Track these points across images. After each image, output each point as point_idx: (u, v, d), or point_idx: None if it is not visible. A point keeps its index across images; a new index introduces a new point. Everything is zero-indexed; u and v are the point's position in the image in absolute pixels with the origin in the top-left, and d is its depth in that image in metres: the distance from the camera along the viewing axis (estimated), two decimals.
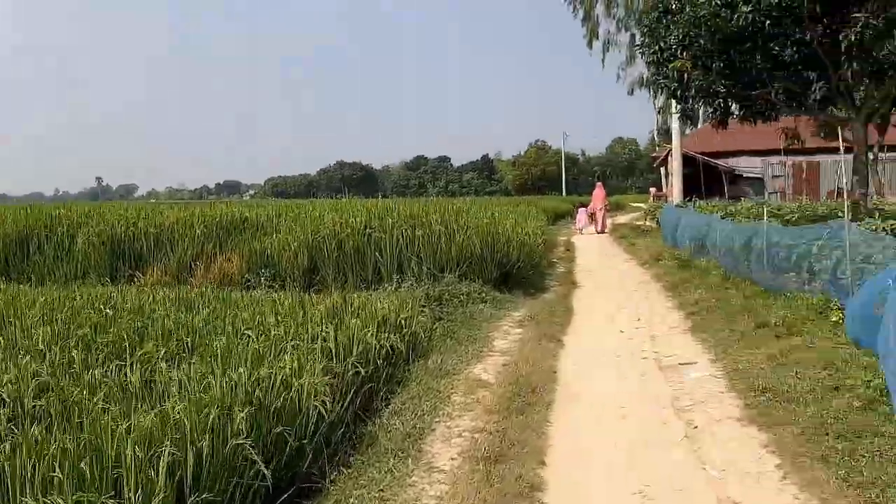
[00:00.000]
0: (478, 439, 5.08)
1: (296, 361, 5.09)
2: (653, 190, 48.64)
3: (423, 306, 8.94)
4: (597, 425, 5.60)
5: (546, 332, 8.39)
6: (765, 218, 11.13)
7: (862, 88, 12.01)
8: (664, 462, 4.82)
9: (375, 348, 6.26)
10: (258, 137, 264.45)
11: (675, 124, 25.33)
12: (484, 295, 9.79)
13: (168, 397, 4.39)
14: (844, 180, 36.44)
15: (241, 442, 3.88)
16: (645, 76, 54.64)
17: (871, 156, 29.84)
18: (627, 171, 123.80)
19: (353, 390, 5.48)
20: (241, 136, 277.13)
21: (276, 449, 4.27)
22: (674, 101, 25.52)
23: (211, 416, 3.91)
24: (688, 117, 13.27)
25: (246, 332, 6.24)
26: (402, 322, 7.53)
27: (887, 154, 30.32)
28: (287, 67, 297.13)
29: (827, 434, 4.76)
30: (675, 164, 25.02)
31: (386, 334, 6.80)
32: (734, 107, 13.39)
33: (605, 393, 6.41)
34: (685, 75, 12.74)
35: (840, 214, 11.31)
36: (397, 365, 6.83)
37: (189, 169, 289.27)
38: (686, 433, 5.36)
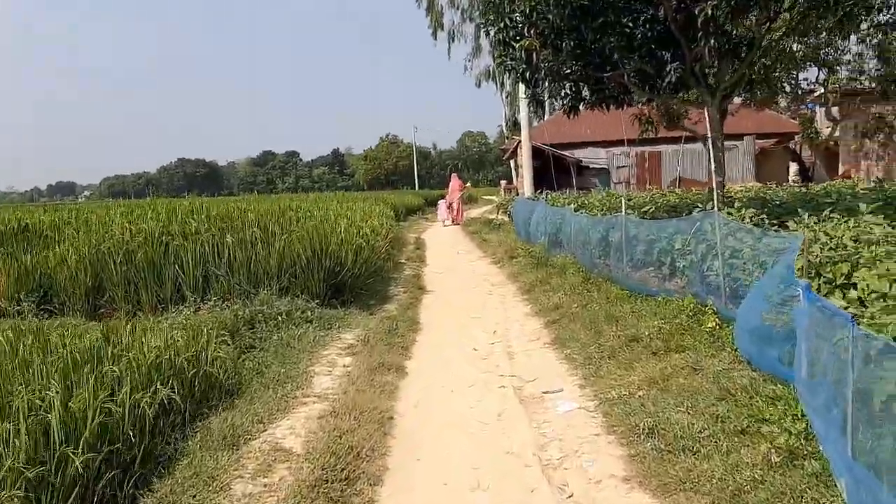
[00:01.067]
0: None
1: None
2: (503, 183, 48.61)
3: (229, 333, 7.04)
4: None
5: (383, 360, 6.75)
6: (623, 210, 10.13)
7: (716, 68, 11.37)
8: None
9: (129, 416, 4.34)
10: (94, 136, 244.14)
11: (523, 115, 24.61)
12: (309, 314, 7.98)
13: None
14: (679, 169, 37.97)
15: None
16: (491, 68, 54.78)
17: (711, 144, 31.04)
18: (478, 164, 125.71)
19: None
20: (76, 135, 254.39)
21: None
22: (522, 86, 25.00)
23: None
24: (538, 103, 12.14)
25: None
26: (191, 360, 5.62)
27: (724, 143, 31.43)
28: (123, 57, 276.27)
29: None
30: (525, 156, 24.31)
31: (156, 386, 4.89)
32: (586, 91, 12.41)
33: (455, 450, 4.87)
34: (533, 55, 11.55)
35: (699, 205, 10.57)
36: (174, 427, 4.94)
37: (20, 170, 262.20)
38: None
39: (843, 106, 28.58)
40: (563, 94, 12.45)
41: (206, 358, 5.83)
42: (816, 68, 26.31)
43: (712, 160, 12.01)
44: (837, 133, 29.51)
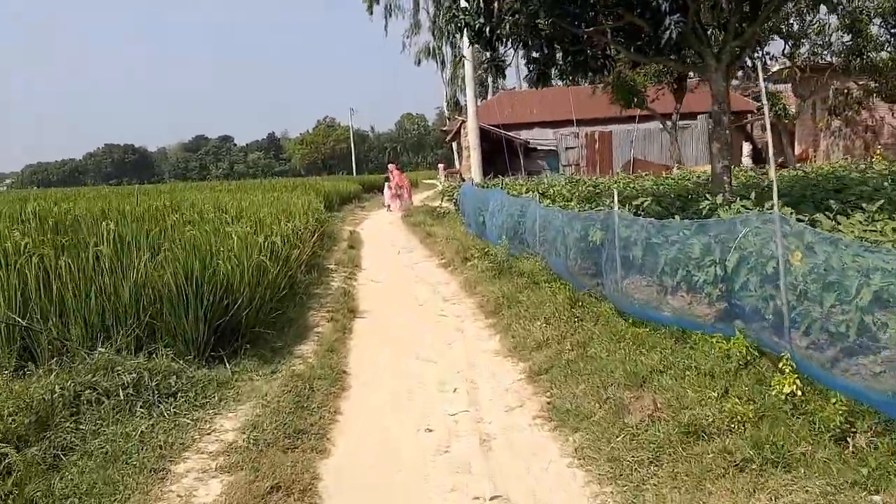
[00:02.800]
0: None
1: None
2: (441, 167, 45.67)
3: (36, 423, 4.25)
4: None
5: (280, 476, 4.02)
6: (615, 203, 7.58)
7: (724, 25, 8.94)
8: None
9: None
10: (10, 120, 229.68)
11: (469, 91, 21.89)
12: (173, 381, 5.17)
13: None
14: (632, 150, 35.98)
15: None
16: (431, 45, 51.80)
17: (668, 124, 28.90)
18: (417, 147, 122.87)
19: None
20: None
21: None
22: (467, 61, 22.26)
23: None
24: (497, 69, 9.36)
25: None
26: None
27: (681, 122, 29.40)
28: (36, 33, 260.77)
29: None
30: (472, 137, 21.65)
31: None
32: (559, 55, 9.82)
33: None
34: (494, 4, 8.93)
35: (707, 197, 8.13)
36: None
37: None
38: None
39: (805, 81, 26.87)
40: (530, 59, 9.83)
41: None
42: (782, 41, 24.45)
43: (714, 140, 9.58)
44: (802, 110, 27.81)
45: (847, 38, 23.80)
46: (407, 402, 5.64)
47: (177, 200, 15.11)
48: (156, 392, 4.98)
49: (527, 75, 10.17)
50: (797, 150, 32.17)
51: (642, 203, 8.73)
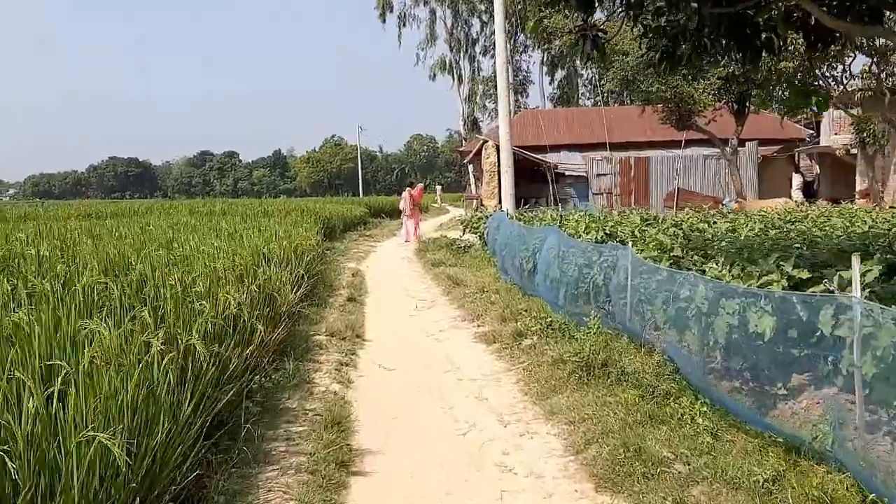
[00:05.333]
0: None
1: None
2: (438, 188, 41.49)
3: None
4: None
5: None
6: (833, 283, 3.71)
7: None
8: None
9: None
10: (16, 128, 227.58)
11: (502, 102, 18.09)
12: None
13: None
14: (677, 179, 32.06)
15: None
16: (447, 59, 48.12)
17: (727, 150, 25.10)
18: (426, 168, 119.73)
19: None
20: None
21: None
22: (499, 61, 18.53)
23: None
24: (593, 43, 5.34)
25: None
26: None
27: (727, 149, 25.45)
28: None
29: None
30: (504, 157, 17.84)
31: None
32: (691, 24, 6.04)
33: None
34: None
35: None
36: None
37: None
38: None
39: (869, 102, 23.00)
40: (651, 28, 6.01)
41: None
42: (867, 56, 20.69)
43: None
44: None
45: None
46: None
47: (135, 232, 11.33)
48: None
49: (643, 55, 6.33)
50: (858, 185, 28.27)
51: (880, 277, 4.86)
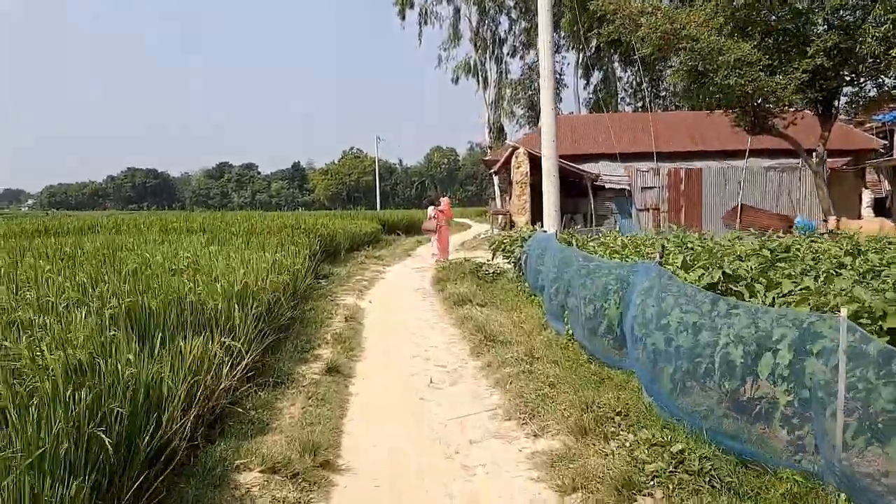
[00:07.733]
0: None
1: None
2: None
3: None
4: None
5: None
6: None
7: None
8: None
9: None
10: (34, 138, 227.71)
11: (546, 96, 14.21)
12: None
13: None
14: (741, 194, 27.87)
15: None
16: (472, 60, 44.12)
17: (814, 158, 21.07)
18: (447, 181, 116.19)
19: None
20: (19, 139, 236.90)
21: None
22: (544, 48, 14.84)
23: None
24: None
25: None
26: None
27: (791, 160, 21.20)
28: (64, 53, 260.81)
29: None
30: (548, 166, 13.95)
31: None
32: None
33: None
34: None
35: None
36: None
37: None
38: None
39: None
40: None
41: None
42: None
43: None
44: None
45: None
46: None
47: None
48: None
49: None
50: None
51: None
